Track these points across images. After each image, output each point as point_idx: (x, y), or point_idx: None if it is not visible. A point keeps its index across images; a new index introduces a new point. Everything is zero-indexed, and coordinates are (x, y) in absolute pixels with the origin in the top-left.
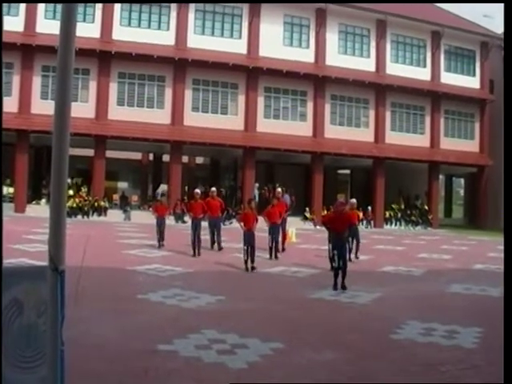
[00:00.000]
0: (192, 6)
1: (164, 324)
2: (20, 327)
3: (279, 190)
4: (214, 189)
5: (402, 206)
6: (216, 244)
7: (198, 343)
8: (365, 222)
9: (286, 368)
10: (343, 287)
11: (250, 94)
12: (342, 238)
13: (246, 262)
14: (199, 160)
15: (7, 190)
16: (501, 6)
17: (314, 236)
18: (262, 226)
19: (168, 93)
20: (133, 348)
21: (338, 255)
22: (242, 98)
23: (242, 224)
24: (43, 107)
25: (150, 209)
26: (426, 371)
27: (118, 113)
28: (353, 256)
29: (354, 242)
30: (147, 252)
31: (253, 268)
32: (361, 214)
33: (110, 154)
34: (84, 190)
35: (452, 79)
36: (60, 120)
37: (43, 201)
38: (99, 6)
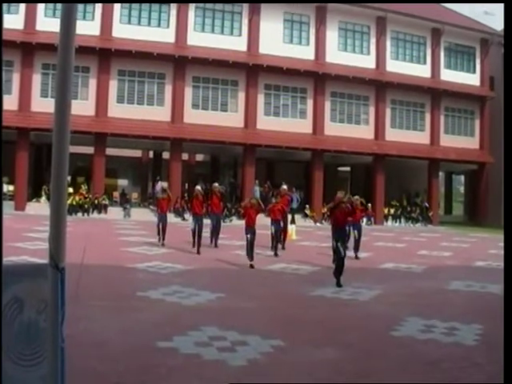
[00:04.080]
0: (192, 3)
1: (164, 321)
2: (20, 325)
3: (284, 187)
4: (216, 184)
5: (405, 203)
6: (214, 241)
7: (198, 340)
8: (365, 218)
9: (286, 366)
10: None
11: (250, 92)
12: (343, 231)
13: (248, 255)
14: (199, 157)
15: (7, 188)
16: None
17: (315, 233)
18: (264, 222)
19: (168, 90)
20: (133, 345)
21: (339, 248)
22: (242, 96)
23: (245, 219)
24: (43, 105)
25: (151, 206)
26: (426, 369)
27: (118, 110)
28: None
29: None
30: (147, 249)
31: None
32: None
33: (110, 151)
34: (84, 187)
35: (452, 76)
36: (60, 118)
37: (43, 198)
38: (99, 3)
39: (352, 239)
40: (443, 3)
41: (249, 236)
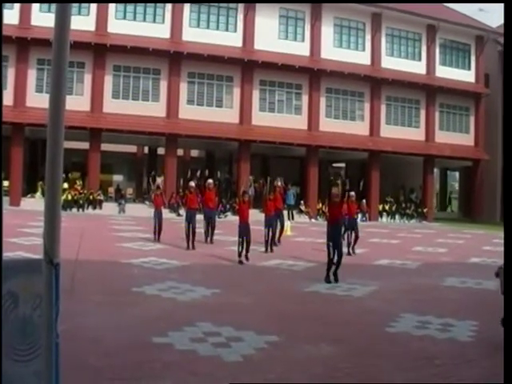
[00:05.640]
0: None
1: (159, 317)
2: (15, 320)
3: (279, 183)
4: (210, 181)
5: (402, 198)
6: (209, 237)
7: (194, 336)
8: (360, 214)
9: (281, 361)
10: (336, 279)
11: (245, 87)
12: (338, 227)
13: (239, 254)
14: (194, 153)
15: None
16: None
17: (310, 229)
18: (258, 218)
19: (163, 86)
20: (128, 341)
21: (333, 247)
22: (237, 91)
23: (239, 215)
24: (38, 100)
25: (146, 202)
26: (421, 364)
27: (113, 106)
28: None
29: (353, 235)
30: (142, 245)
31: (247, 258)
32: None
33: (105, 146)
34: (79, 183)
35: (447, 73)
36: (55, 113)
37: (38, 194)
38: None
39: (348, 236)
40: (440, 3)
41: (240, 239)
